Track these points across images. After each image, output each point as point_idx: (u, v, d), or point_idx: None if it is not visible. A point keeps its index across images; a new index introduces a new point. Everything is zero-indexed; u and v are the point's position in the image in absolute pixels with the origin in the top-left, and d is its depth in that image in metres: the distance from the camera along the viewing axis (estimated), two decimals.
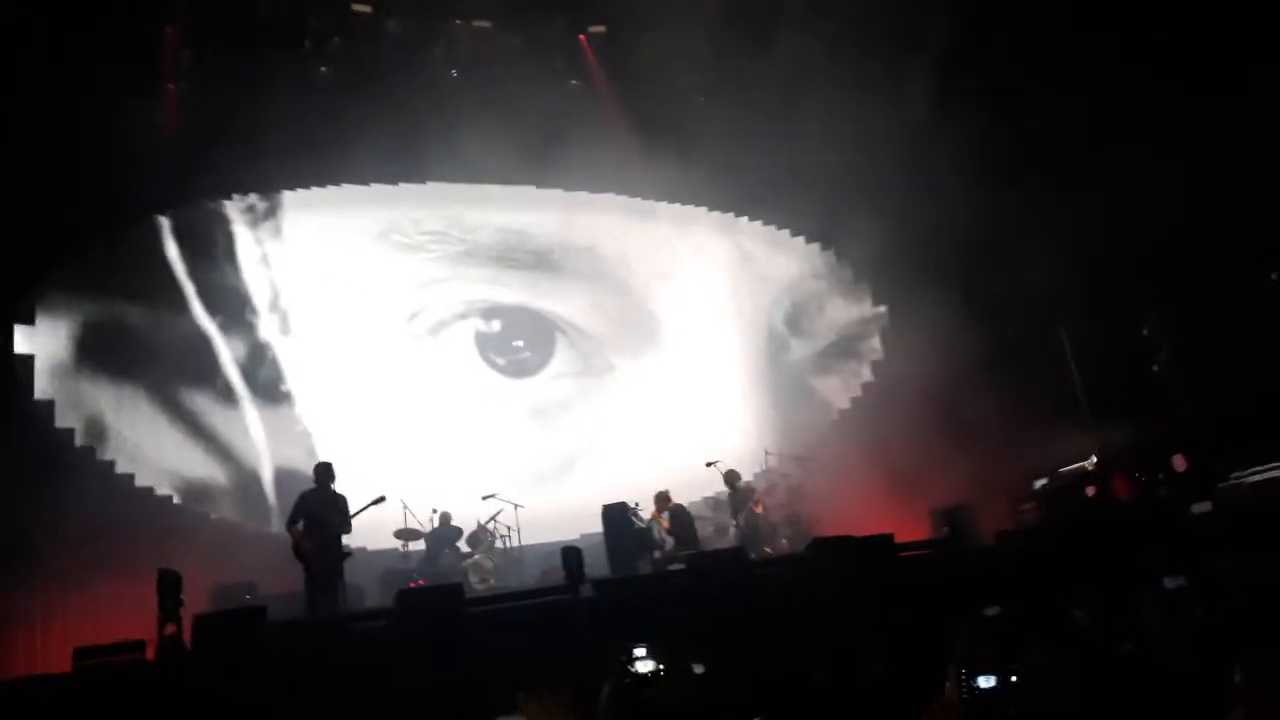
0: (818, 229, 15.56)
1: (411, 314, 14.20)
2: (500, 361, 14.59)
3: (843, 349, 15.98)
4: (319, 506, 9.35)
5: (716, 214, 15.85)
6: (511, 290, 14.75)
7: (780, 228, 15.92)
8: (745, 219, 15.92)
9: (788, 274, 16.04)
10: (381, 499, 9.88)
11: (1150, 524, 9.22)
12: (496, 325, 14.65)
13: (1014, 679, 2.23)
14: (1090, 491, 10.87)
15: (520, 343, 14.72)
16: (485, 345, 14.54)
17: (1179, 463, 10.40)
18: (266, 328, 13.38)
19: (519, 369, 14.66)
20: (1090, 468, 11.04)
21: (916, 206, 12.85)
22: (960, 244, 12.95)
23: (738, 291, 15.87)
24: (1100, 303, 11.88)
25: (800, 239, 15.91)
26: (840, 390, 15.75)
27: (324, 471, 9.58)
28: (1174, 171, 10.59)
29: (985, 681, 2.24)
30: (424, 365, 14.06)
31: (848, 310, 16.02)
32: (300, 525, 9.23)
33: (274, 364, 13.32)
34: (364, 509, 9.59)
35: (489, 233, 14.78)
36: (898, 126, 12.71)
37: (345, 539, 9.41)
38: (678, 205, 15.66)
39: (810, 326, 16.01)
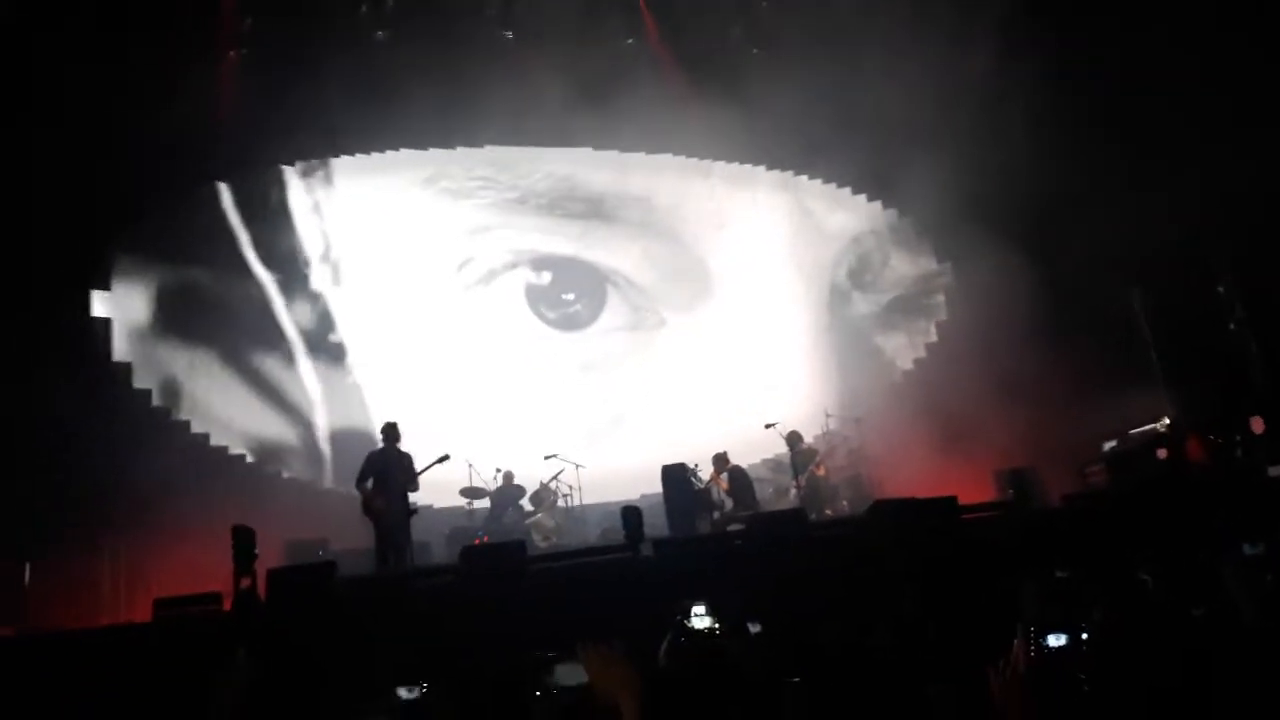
0: (878, 186, 15.24)
1: (461, 263, 14.21)
2: (550, 315, 14.57)
3: (908, 305, 15.69)
4: (386, 465, 9.57)
5: (775, 172, 15.60)
6: (562, 239, 14.68)
7: (841, 185, 15.65)
8: (804, 177, 15.65)
9: (848, 229, 15.75)
10: (445, 457, 10.04)
11: (1226, 487, 8.97)
12: (546, 277, 14.60)
13: (1084, 638, 2.20)
14: (1162, 454, 10.58)
15: (571, 295, 14.67)
16: (535, 298, 14.51)
17: (1256, 425, 10.07)
18: (319, 280, 13.58)
19: (569, 322, 14.62)
20: (1163, 430, 10.74)
21: (983, 161, 12.50)
22: (1029, 200, 12.60)
23: (796, 245, 15.60)
24: (1175, 260, 11.48)
25: (861, 197, 15.62)
26: (905, 348, 15.51)
27: (390, 431, 9.79)
28: (1252, 131, 10.17)
29: (1055, 640, 2.20)
30: (473, 317, 14.11)
31: (913, 265, 15.71)
32: (369, 484, 9.46)
33: (327, 318, 13.52)
34: (429, 467, 9.78)
35: (541, 179, 14.70)
36: (964, 77, 12.36)
37: (412, 497, 9.64)
38: (735, 164, 15.46)
39: (874, 281, 15.73)
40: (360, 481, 9.56)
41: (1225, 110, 10.86)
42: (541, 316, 14.54)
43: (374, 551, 9.46)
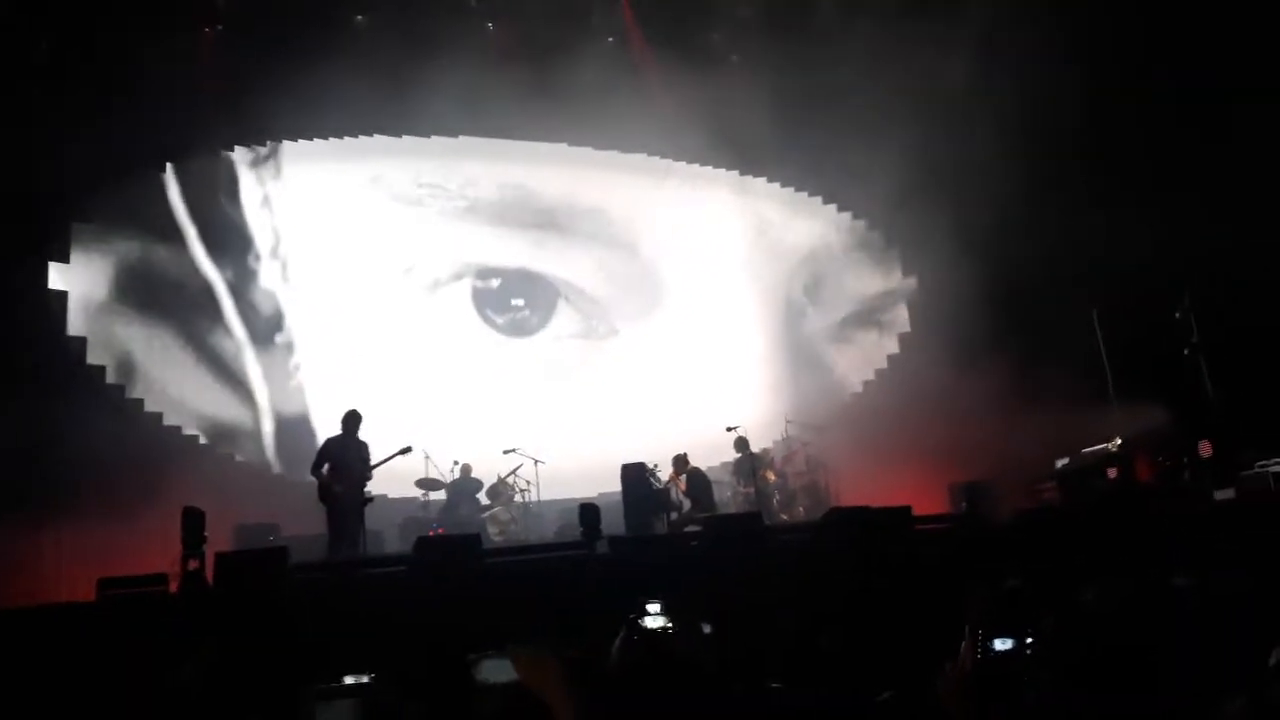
0: (846, 195, 15.39)
1: (407, 268, 14.07)
2: (499, 320, 14.49)
3: (864, 319, 15.83)
4: (344, 452, 9.50)
5: (736, 176, 15.62)
6: (511, 250, 14.57)
7: (811, 194, 15.75)
8: (771, 182, 15.70)
9: (807, 241, 15.83)
10: (408, 449, 10.01)
11: (1172, 509, 9.15)
12: (495, 283, 14.50)
13: (1030, 644, 2.23)
14: (1112, 473, 10.77)
15: (520, 301, 14.59)
16: (483, 302, 14.41)
17: (1205, 448, 10.28)
18: (267, 272, 13.41)
19: (518, 328, 14.57)
20: (1114, 449, 10.93)
21: (950, 177, 12.69)
22: (994, 218, 12.76)
23: (754, 257, 15.66)
24: (1133, 283, 11.70)
25: (831, 207, 15.73)
26: (861, 362, 15.66)
27: (352, 419, 9.72)
28: (1216, 155, 10.41)
29: (1001, 644, 2.24)
30: (424, 317, 14.00)
31: (872, 279, 15.82)
32: (324, 469, 9.38)
33: (275, 309, 13.37)
34: (390, 458, 9.74)
35: (491, 188, 14.58)
36: (937, 89, 12.52)
37: (367, 485, 9.58)
38: (695, 167, 15.43)
39: (832, 296, 15.84)
40: (316, 467, 9.48)
41: (1192, 136, 11.08)
42: (490, 322, 14.45)
43: (325, 538, 9.38)
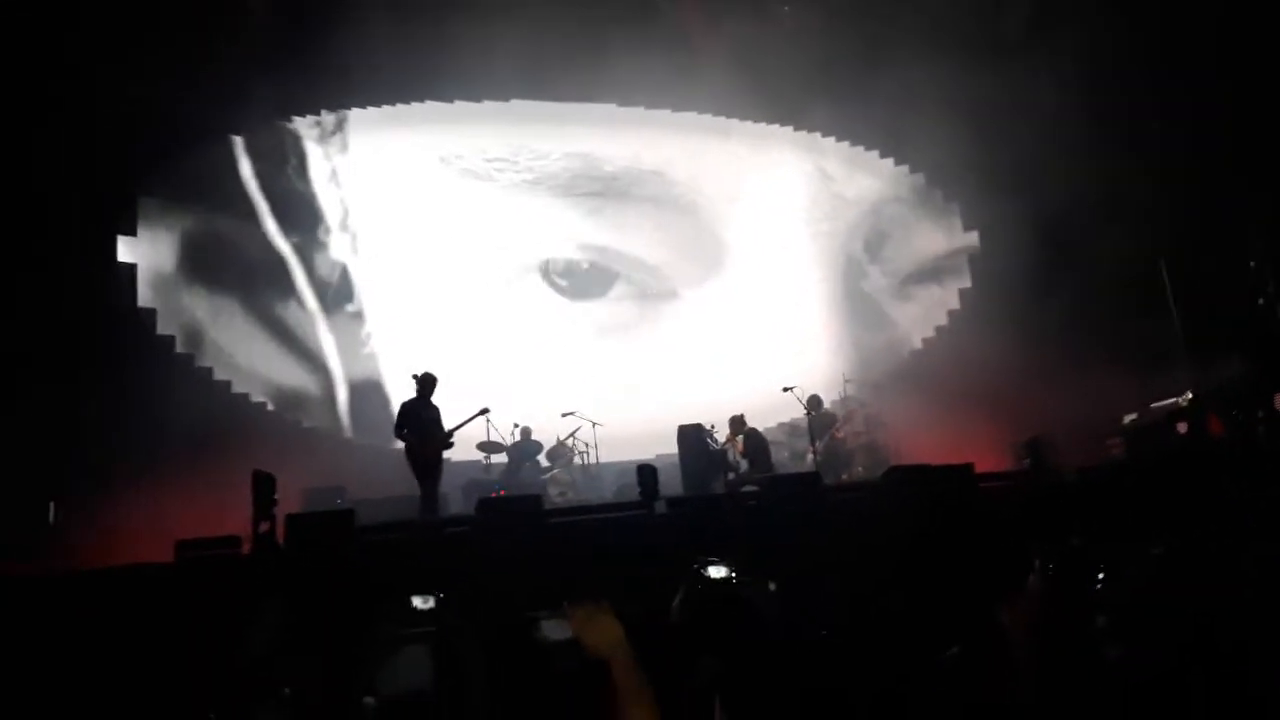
0: (906, 150, 15.07)
1: (473, 239, 14.22)
2: (562, 284, 14.60)
3: (927, 276, 15.60)
4: (424, 415, 9.70)
5: (797, 133, 15.42)
6: (574, 217, 14.64)
7: (868, 148, 15.47)
8: (830, 138, 15.47)
9: (869, 195, 15.61)
10: (485, 411, 10.22)
11: (1245, 463, 8.89)
12: (559, 250, 14.59)
13: (1100, 585, 2.21)
14: (1183, 428, 10.50)
15: (585, 266, 14.69)
16: (546, 269, 14.54)
17: None
18: (337, 242, 13.66)
19: (580, 293, 14.65)
20: (1184, 404, 10.64)
21: (1013, 128, 12.33)
22: (1057, 169, 12.41)
23: (814, 214, 15.51)
24: (1205, 232, 11.31)
25: (888, 161, 15.44)
26: (921, 319, 15.44)
27: (427, 382, 9.93)
28: None
29: (1069, 586, 2.22)
30: (486, 288, 14.15)
31: (934, 236, 15.59)
32: (406, 432, 9.60)
33: (345, 279, 13.63)
34: (469, 420, 9.97)
35: (557, 160, 14.62)
36: (996, 41, 12.16)
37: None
38: (757, 125, 15.27)
39: (893, 253, 15.62)
40: (399, 429, 9.70)
41: (1265, 82, 10.61)
42: (554, 286, 14.54)
43: (390, 500, 9.61)
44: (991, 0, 11.89)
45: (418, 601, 4.64)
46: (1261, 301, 10.74)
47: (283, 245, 13.25)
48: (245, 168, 13.17)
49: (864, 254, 15.62)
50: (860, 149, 15.49)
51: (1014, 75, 12.08)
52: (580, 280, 14.64)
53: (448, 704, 3.75)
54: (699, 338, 14.62)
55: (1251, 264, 10.79)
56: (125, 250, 12.25)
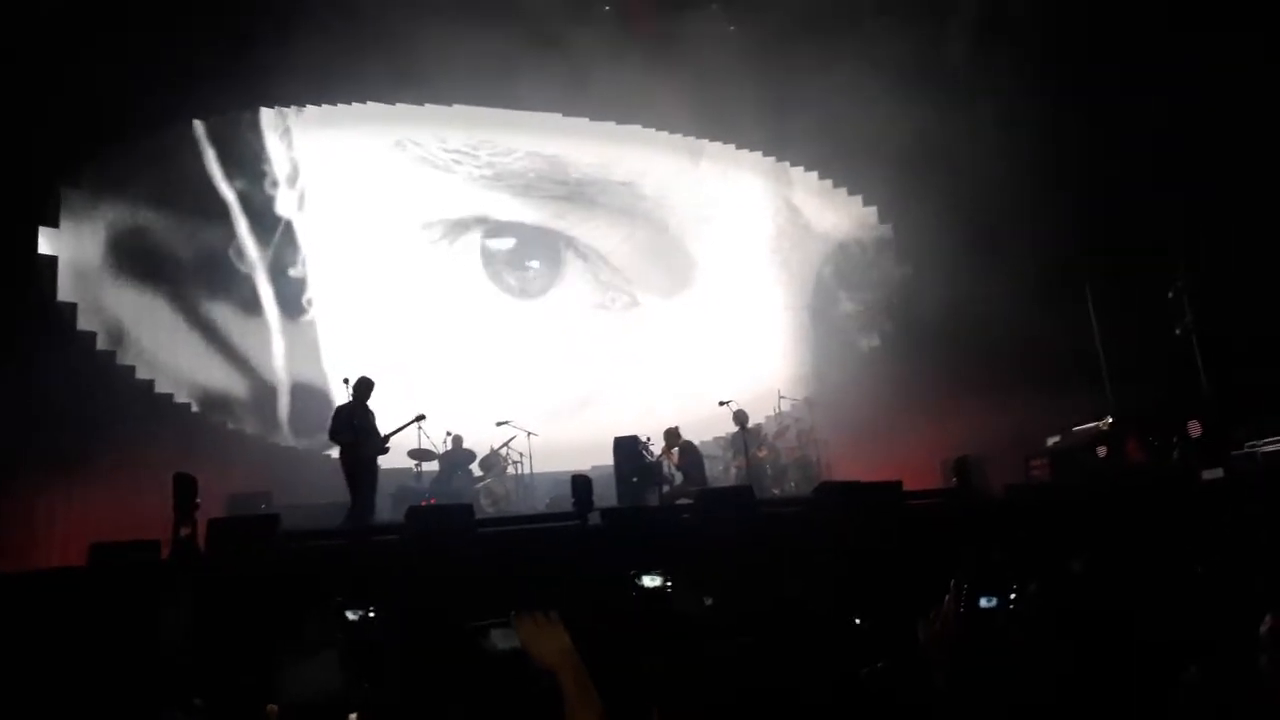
0: (848, 173, 15.37)
1: (420, 231, 14.11)
2: (510, 280, 14.51)
3: (861, 299, 15.86)
4: (361, 419, 9.50)
5: (761, 158, 15.66)
6: (534, 217, 14.61)
7: (808, 169, 15.76)
8: (801, 169, 15.74)
9: (836, 231, 15.87)
10: (421, 417, 10.04)
11: (1159, 487, 9.20)
12: (509, 242, 14.48)
13: (1013, 605, 2.27)
14: (1102, 451, 10.83)
15: (535, 263, 14.61)
16: (495, 262, 14.41)
17: (1194, 428, 10.31)
18: (283, 230, 13.42)
19: (529, 289, 14.57)
20: (1105, 427, 10.98)
21: (948, 155, 12.63)
22: (991, 196, 12.74)
23: (782, 241, 15.77)
24: (1127, 262, 11.71)
25: (856, 197, 15.74)
26: (855, 338, 15.71)
27: (364, 386, 9.72)
28: (1213, 130, 10.39)
29: (985, 602, 2.27)
30: (433, 280, 14.03)
31: (877, 259, 15.85)
32: (342, 436, 9.40)
33: (287, 271, 13.39)
34: (404, 427, 9.81)
35: (519, 158, 14.57)
36: (934, 67, 12.47)
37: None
38: (727, 147, 15.50)
39: (837, 279, 15.87)
40: (335, 434, 9.49)
41: (1197, 116, 11.01)
42: (500, 282, 14.44)
43: (317, 507, 9.41)
44: (934, 26, 12.15)
45: (350, 615, 4.55)
46: (1178, 331, 11.12)
47: (210, 240, 12.94)
48: (183, 159, 12.87)
49: (830, 277, 15.88)
50: (828, 183, 15.74)
51: (955, 102, 12.38)
52: (529, 282, 14.55)
53: (359, 709, 3.68)
54: (639, 351, 14.68)
55: (1170, 294, 11.17)
56: (46, 242, 11.83)
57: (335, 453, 9.73)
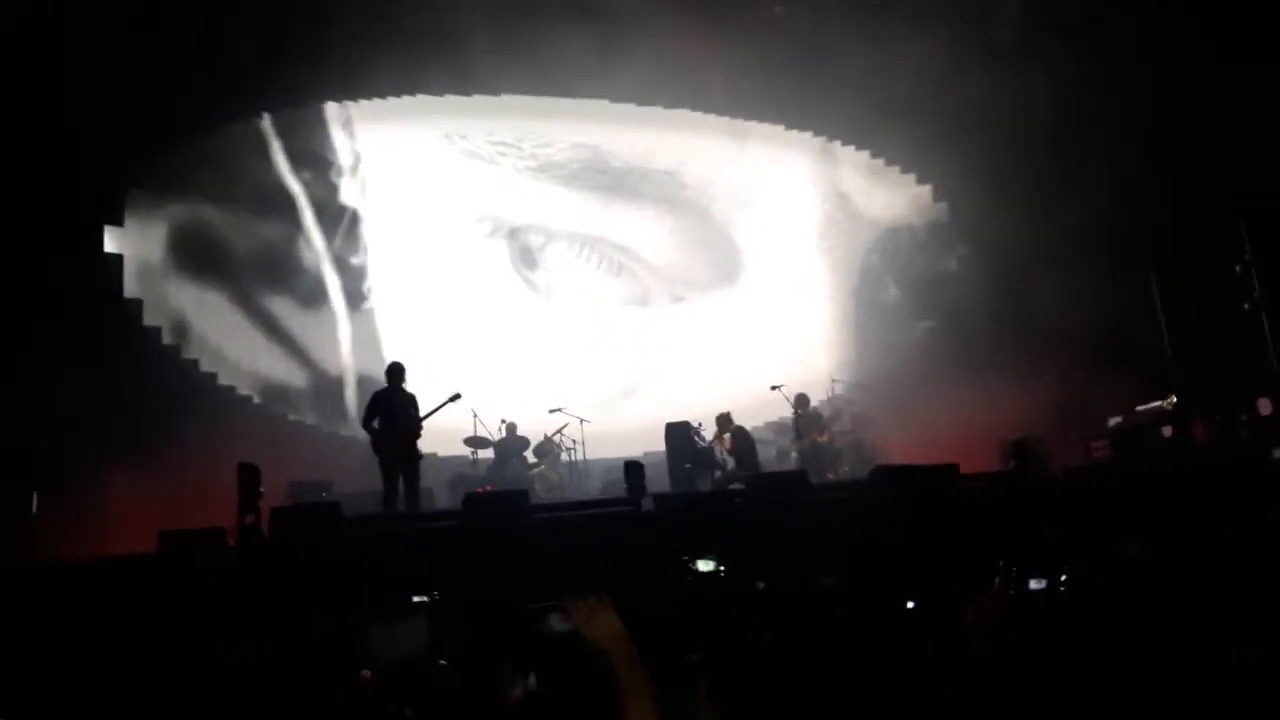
0: (903, 155, 15.11)
1: (471, 228, 14.25)
2: (555, 275, 14.57)
3: (920, 280, 15.59)
4: (392, 405, 9.60)
5: (811, 138, 15.48)
6: (579, 211, 14.63)
7: (860, 148, 15.52)
8: (851, 147, 15.53)
9: (887, 214, 15.64)
10: (457, 396, 10.05)
11: (1227, 467, 8.96)
12: (554, 236, 14.56)
13: (1062, 587, 2.24)
14: (1167, 431, 10.57)
15: (579, 258, 14.66)
16: (537, 255, 14.50)
17: (1264, 406, 10.01)
18: (352, 225, 13.71)
19: (581, 290, 14.65)
20: (1169, 407, 10.71)
21: (1005, 135, 12.38)
22: (1049, 175, 12.46)
23: (830, 228, 15.59)
24: (1193, 237, 11.38)
25: (909, 175, 15.49)
26: (915, 320, 15.47)
27: (395, 370, 9.78)
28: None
29: (1035, 583, 2.25)
30: (481, 282, 14.17)
31: (930, 239, 15.59)
32: (376, 424, 9.50)
33: (348, 264, 13.66)
34: (441, 406, 9.82)
35: (563, 148, 14.62)
36: (986, 46, 12.19)
37: (417, 443, 9.71)
38: (775, 129, 15.31)
39: (905, 262, 15.64)
40: (367, 420, 9.59)
41: (1263, 81, 10.63)
42: (544, 275, 14.54)
43: (380, 493, 9.54)
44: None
45: (415, 600, 4.67)
46: (1247, 306, 10.80)
47: (269, 236, 13.21)
48: (244, 155, 13.16)
49: (878, 263, 15.67)
50: (880, 162, 15.51)
51: (1004, 71, 12.10)
52: (577, 273, 14.61)
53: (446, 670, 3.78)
54: (691, 337, 14.65)
55: (1237, 269, 10.85)
56: (112, 241, 12.19)
57: None
